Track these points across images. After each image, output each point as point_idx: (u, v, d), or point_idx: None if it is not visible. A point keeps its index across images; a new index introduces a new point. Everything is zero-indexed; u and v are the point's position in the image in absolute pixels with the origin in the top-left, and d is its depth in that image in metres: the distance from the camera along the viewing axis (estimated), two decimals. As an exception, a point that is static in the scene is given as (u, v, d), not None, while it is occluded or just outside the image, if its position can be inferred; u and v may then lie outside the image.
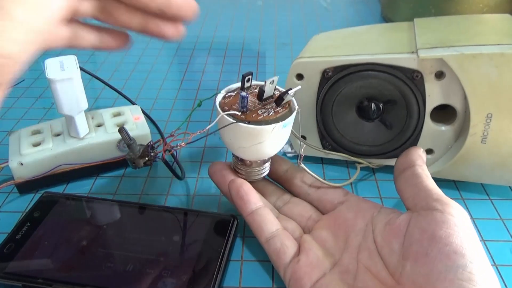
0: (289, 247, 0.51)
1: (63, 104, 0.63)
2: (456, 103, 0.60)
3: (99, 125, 0.71)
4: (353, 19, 1.35)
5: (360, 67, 0.61)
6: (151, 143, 0.60)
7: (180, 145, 0.54)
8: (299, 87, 0.54)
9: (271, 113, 0.52)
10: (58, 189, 0.67)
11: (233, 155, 0.59)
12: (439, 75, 0.59)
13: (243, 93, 0.51)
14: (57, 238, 0.56)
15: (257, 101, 0.54)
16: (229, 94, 0.56)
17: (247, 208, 0.54)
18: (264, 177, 0.60)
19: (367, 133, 0.66)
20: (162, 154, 0.58)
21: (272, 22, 1.32)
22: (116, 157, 0.70)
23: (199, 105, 0.58)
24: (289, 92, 0.52)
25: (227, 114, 0.51)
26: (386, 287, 0.45)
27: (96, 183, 0.69)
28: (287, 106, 0.54)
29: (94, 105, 0.90)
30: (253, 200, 0.55)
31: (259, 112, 0.52)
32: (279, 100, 0.53)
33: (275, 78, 0.53)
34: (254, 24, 1.31)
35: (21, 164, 0.63)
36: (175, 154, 0.72)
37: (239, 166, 0.59)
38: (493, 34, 0.65)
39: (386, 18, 1.33)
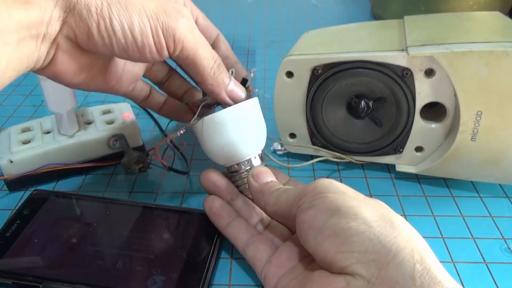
0: (263, 251, 0.52)
1: (53, 102, 0.63)
2: (446, 101, 0.60)
3: (89, 123, 0.70)
4: (343, 16, 1.35)
5: (350, 65, 0.61)
6: (146, 151, 0.61)
7: (180, 133, 0.56)
8: (255, 69, 0.59)
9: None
10: (48, 187, 0.67)
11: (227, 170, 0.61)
12: (429, 72, 0.59)
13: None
14: (47, 236, 0.56)
15: None
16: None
17: (221, 223, 0.57)
18: None
19: (357, 130, 0.66)
20: (163, 164, 0.62)
21: (262, 19, 1.32)
22: (106, 154, 0.69)
23: (171, 119, 0.64)
24: (246, 74, 0.57)
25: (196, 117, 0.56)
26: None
27: (86, 181, 0.69)
28: (251, 94, 0.57)
29: (84, 103, 0.90)
30: (224, 215, 0.57)
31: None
32: (243, 83, 0.57)
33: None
34: (244, 22, 1.31)
35: (11, 161, 0.63)
36: (176, 147, 0.73)
37: (232, 178, 0.60)
38: (483, 31, 0.65)
39: (376, 16, 1.33)
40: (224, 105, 0.55)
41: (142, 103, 0.64)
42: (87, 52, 0.46)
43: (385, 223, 0.41)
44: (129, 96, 0.61)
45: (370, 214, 0.42)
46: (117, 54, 0.46)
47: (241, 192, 0.60)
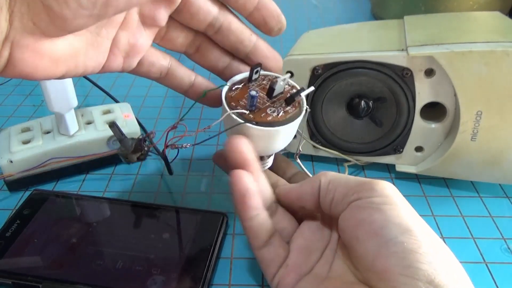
0: (280, 256, 0.48)
1: (53, 102, 0.63)
2: (446, 101, 0.60)
3: (89, 123, 0.70)
4: (343, 16, 1.35)
5: (350, 65, 0.61)
6: (143, 136, 0.59)
7: (186, 146, 0.51)
8: (312, 88, 0.52)
9: (281, 113, 0.48)
10: (48, 187, 0.67)
11: None
12: (429, 72, 0.59)
13: (253, 92, 0.47)
14: (47, 236, 0.56)
15: (266, 96, 0.50)
16: (235, 86, 0.52)
17: (246, 214, 0.48)
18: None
19: (357, 130, 0.66)
20: (163, 149, 0.54)
21: (263, 19, 1.32)
22: (106, 154, 0.69)
23: (204, 95, 0.55)
24: (302, 94, 0.49)
25: (234, 113, 0.48)
26: (352, 273, 0.44)
27: (86, 181, 0.69)
28: (296, 105, 0.50)
29: (84, 103, 0.90)
30: (254, 205, 0.48)
31: (268, 111, 0.49)
32: (290, 99, 0.49)
33: (287, 76, 0.51)
34: (244, 21, 1.31)
35: (11, 161, 0.63)
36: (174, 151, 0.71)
37: None
38: (483, 31, 0.65)
39: (376, 16, 1.33)
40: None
41: (160, 82, 0.54)
42: (60, 39, 0.39)
43: (445, 254, 0.40)
44: (135, 73, 0.51)
45: (435, 240, 0.40)
46: (99, 15, 0.36)
47: None
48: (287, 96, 0.50)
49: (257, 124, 0.47)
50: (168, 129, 0.51)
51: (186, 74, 0.54)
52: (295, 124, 0.50)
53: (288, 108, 0.49)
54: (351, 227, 0.43)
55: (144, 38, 0.47)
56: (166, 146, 0.52)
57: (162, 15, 0.46)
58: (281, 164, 0.61)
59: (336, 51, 0.63)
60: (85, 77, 0.86)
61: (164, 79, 0.53)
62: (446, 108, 0.61)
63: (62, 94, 0.63)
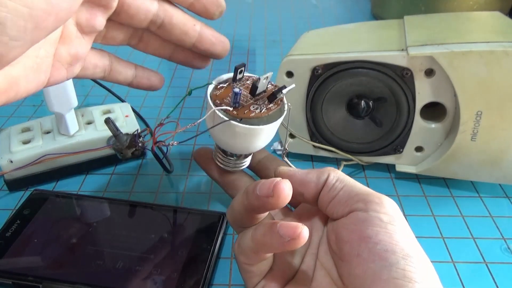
0: (267, 268, 0.46)
1: (53, 102, 0.63)
2: (446, 101, 0.60)
3: (89, 123, 0.70)
4: (342, 16, 1.35)
5: (350, 65, 0.61)
6: (138, 132, 0.58)
7: (172, 143, 0.50)
8: (293, 85, 0.51)
9: (263, 109, 0.49)
10: (48, 187, 0.67)
11: (217, 146, 0.57)
12: (429, 72, 0.59)
13: (236, 89, 0.48)
14: (47, 236, 0.56)
15: (249, 95, 0.51)
16: (220, 85, 0.52)
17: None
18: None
19: (357, 130, 0.66)
20: (152, 146, 0.53)
21: (262, 19, 1.32)
22: (106, 155, 0.69)
23: (189, 93, 0.55)
24: (283, 90, 0.50)
25: (219, 110, 0.48)
26: (336, 287, 0.43)
27: (86, 181, 0.69)
28: (279, 102, 0.51)
29: (84, 103, 0.89)
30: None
31: (251, 108, 0.49)
32: (272, 96, 0.50)
33: (269, 74, 0.51)
34: (244, 22, 1.31)
35: (11, 161, 0.63)
36: (164, 149, 0.71)
37: (223, 158, 0.56)
38: (483, 31, 0.65)
39: (376, 16, 1.33)
40: None
41: (105, 80, 0.53)
42: None
43: (435, 281, 0.39)
44: (81, 78, 0.51)
45: (428, 267, 0.40)
46: (32, 40, 0.37)
47: (222, 169, 0.57)
48: (270, 94, 0.50)
49: (241, 120, 0.48)
50: (155, 127, 0.51)
51: (128, 66, 0.54)
52: (277, 123, 0.50)
53: (271, 105, 0.50)
54: (354, 241, 0.41)
55: (84, 45, 0.47)
56: (155, 143, 0.52)
57: (100, 22, 0.46)
58: None
59: (336, 51, 0.63)
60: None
61: (109, 76, 0.53)
62: (446, 108, 0.61)
63: (62, 94, 0.63)
